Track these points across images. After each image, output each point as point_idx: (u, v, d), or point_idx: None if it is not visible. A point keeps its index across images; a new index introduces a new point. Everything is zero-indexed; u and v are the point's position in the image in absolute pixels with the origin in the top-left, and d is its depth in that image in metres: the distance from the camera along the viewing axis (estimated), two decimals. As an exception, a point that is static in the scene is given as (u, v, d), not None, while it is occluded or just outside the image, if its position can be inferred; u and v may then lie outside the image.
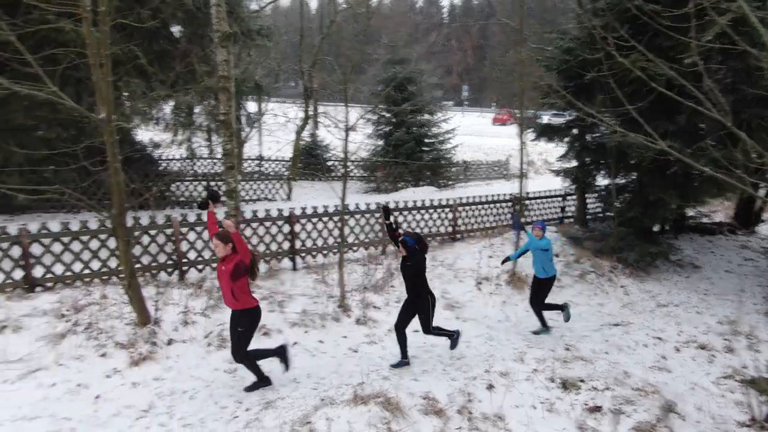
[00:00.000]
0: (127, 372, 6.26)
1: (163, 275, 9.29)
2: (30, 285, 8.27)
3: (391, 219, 6.74)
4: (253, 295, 5.96)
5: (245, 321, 5.80)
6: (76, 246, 8.71)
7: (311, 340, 7.43)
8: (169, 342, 6.85)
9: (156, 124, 17.48)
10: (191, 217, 9.72)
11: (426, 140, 23.77)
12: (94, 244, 8.82)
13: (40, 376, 6.12)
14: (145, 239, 9.21)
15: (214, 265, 9.67)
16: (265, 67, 23.94)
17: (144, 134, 17.64)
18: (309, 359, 6.94)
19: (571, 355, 7.34)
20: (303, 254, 10.61)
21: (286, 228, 10.40)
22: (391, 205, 11.98)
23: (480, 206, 13.27)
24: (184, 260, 9.47)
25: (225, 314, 7.84)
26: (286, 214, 10.51)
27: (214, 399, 5.89)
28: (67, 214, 13.76)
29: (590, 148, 13.40)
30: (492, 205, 13.48)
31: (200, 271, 9.61)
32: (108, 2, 6.23)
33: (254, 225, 10.14)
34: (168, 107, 17.22)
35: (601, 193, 13.72)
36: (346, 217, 11.04)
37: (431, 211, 12.47)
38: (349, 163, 15.34)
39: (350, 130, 8.61)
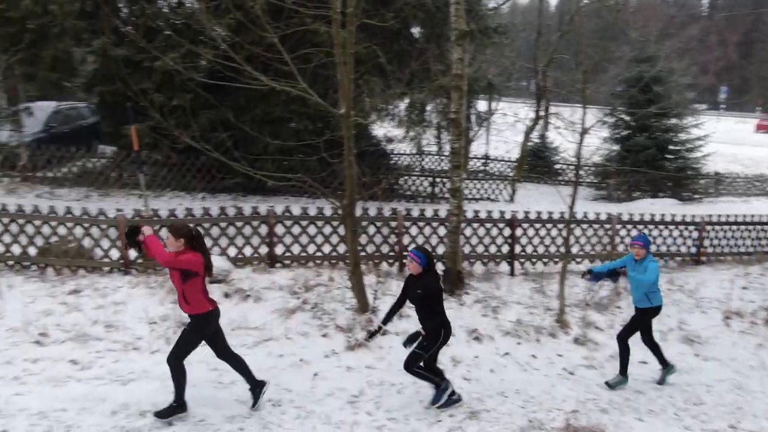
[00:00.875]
0: (344, 355, 6.58)
1: (384, 266, 9.68)
2: (272, 261, 9.23)
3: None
4: (211, 296, 5.26)
5: (192, 323, 5.15)
6: (312, 229, 9.50)
7: (523, 353, 7.04)
8: (384, 333, 7.04)
9: (391, 120, 18.42)
10: (415, 212, 9.95)
11: (670, 147, 21.30)
12: (327, 229, 9.52)
13: (271, 346, 6.75)
14: (371, 229, 9.67)
15: (432, 261, 9.78)
16: (499, 66, 23.69)
17: (379, 129, 18.72)
18: (519, 373, 6.57)
19: None
20: (522, 260, 10.18)
21: (507, 231, 10.07)
22: (624, 217, 10.89)
23: (735, 226, 11.40)
24: (405, 253, 9.73)
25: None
26: (507, 216, 10.19)
27: (419, 397, 5.88)
28: (309, 200, 15.20)
29: None
30: (751, 227, 11.48)
31: (418, 265, 9.79)
32: (356, 4, 6.56)
33: (474, 225, 10.00)
34: (402, 104, 17.99)
35: None
36: (572, 225, 10.32)
37: (671, 227, 11.05)
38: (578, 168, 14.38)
39: (585, 133, 7.95)
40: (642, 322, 6.42)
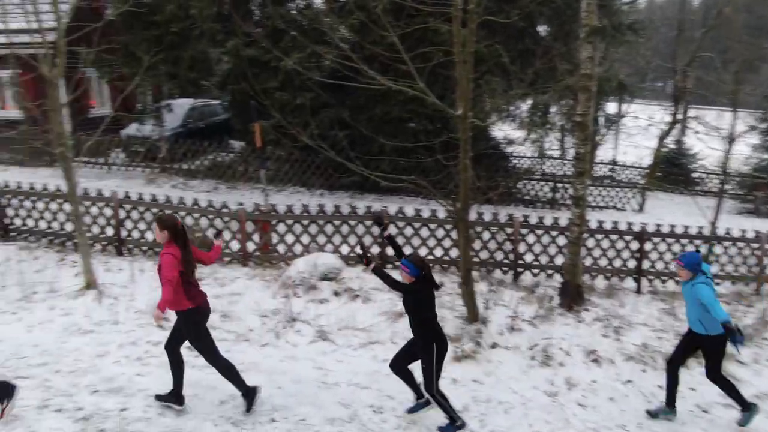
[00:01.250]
0: (449, 366, 6.30)
1: (497, 273, 9.29)
2: (383, 261, 9.16)
3: (388, 232, 5.62)
4: (199, 289, 5.13)
5: (186, 326, 5.05)
6: (424, 232, 9.32)
7: (648, 382, 6.36)
8: (493, 345, 6.70)
9: (512, 121, 17.81)
10: (533, 219, 9.45)
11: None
12: (440, 232, 9.30)
13: (376, 349, 6.65)
14: (486, 235, 9.31)
15: (549, 272, 9.24)
16: (632, 65, 22.17)
17: (499, 131, 18.17)
18: (643, 405, 5.93)
19: None
20: (651, 277, 9.33)
21: (635, 244, 9.26)
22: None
23: None
24: (520, 262, 9.27)
25: (554, 327, 7.37)
26: (636, 228, 9.37)
27: (528, 420, 5.48)
28: (423, 201, 15.07)
29: None
30: None
31: (535, 275, 9.28)
32: (477, 1, 6.27)
33: (598, 236, 9.30)
34: (525, 105, 17.33)
35: None
36: (713, 242, 9.29)
37: (836, 249, 9.60)
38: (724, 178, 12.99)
39: (734, 140, 7.07)
40: (708, 351, 5.41)
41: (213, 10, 13.72)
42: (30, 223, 9.68)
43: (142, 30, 13.85)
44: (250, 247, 9.19)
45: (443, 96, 9.19)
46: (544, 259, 9.29)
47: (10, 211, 9.71)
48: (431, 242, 9.28)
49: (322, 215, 9.22)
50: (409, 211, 9.53)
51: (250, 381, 5.76)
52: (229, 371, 5.21)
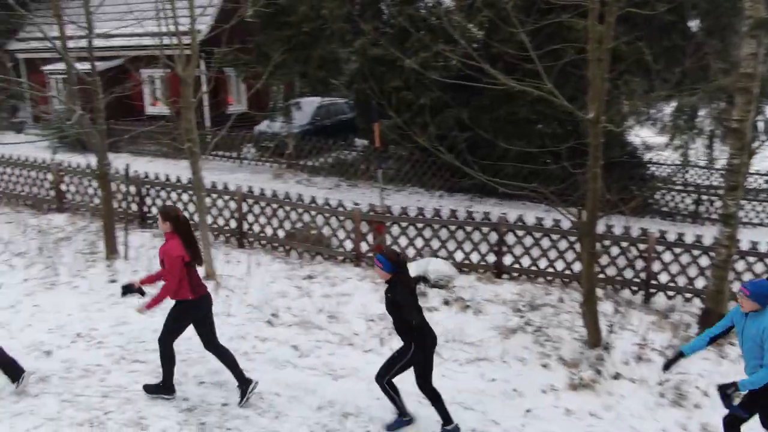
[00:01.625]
0: (564, 394, 5.76)
1: (625, 293, 8.43)
2: (498, 271, 8.69)
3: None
4: (201, 282, 5.22)
5: (176, 312, 5.15)
6: (545, 242, 8.69)
7: None
8: (616, 376, 6.01)
9: (652, 125, 16.34)
10: (671, 235, 8.45)
11: None
12: (563, 244, 8.62)
13: (484, 366, 6.23)
14: (614, 249, 8.48)
15: (687, 295, 8.23)
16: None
17: (635, 136, 16.76)
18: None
19: None
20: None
21: (796, 272, 7.97)
22: None
23: None
24: (653, 282, 8.33)
25: (691, 361, 6.48)
26: (799, 253, 8.06)
27: (653, 468, 4.82)
28: (546, 208, 14.23)
29: None
30: None
31: (670, 298, 8.31)
32: (619, -9, 5.63)
33: (750, 259, 8.09)
34: (668, 108, 15.82)
35: None
36: None
37: None
38: None
39: None
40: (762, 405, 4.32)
41: (344, 10, 13.92)
42: (171, 212, 10.35)
43: (275, 30, 14.38)
44: (364, 247, 9.12)
45: (574, 97, 8.49)
46: (681, 281, 8.28)
47: (148, 200, 10.46)
48: (552, 254, 8.63)
49: (438, 219, 8.91)
50: (530, 218, 8.96)
51: (350, 388, 5.63)
52: (168, 361, 5.23)
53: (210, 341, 5.32)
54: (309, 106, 18.36)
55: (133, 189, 10.43)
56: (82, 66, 8.96)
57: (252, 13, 14.88)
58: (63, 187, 11.18)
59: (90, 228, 10.02)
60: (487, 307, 7.47)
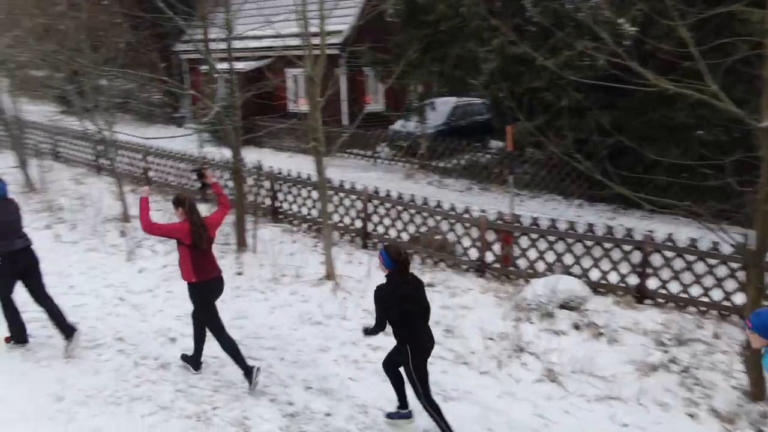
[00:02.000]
0: (715, 453, 4.88)
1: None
2: (640, 295, 7.73)
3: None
4: (214, 265, 5.50)
5: (192, 297, 5.49)
6: (699, 267, 7.58)
7: None
8: None
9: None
10: None
11: None
12: (722, 270, 7.45)
13: (616, 406, 5.47)
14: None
15: None
16: None
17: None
18: None
19: None
20: None
21: None
22: None
23: None
24: None
25: None
26: None
27: None
28: (702, 226, 12.63)
29: None
30: None
31: None
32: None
33: None
34: None
35: None
36: None
37: None
38: None
39: None
40: None
41: (482, 8, 13.40)
42: (294, 208, 10.57)
43: (413, 29, 14.21)
44: (489, 257, 8.59)
45: (745, 101, 7.31)
46: None
47: (280, 196, 10.75)
48: (708, 281, 7.48)
49: (572, 233, 8.13)
50: (682, 236, 7.89)
51: (460, 413, 5.21)
52: (233, 350, 5.40)
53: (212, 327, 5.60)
54: (444, 106, 18.01)
55: (267, 184, 10.79)
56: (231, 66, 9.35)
57: (392, 12, 14.86)
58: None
59: (227, 220, 10.49)
60: (624, 336, 6.63)
